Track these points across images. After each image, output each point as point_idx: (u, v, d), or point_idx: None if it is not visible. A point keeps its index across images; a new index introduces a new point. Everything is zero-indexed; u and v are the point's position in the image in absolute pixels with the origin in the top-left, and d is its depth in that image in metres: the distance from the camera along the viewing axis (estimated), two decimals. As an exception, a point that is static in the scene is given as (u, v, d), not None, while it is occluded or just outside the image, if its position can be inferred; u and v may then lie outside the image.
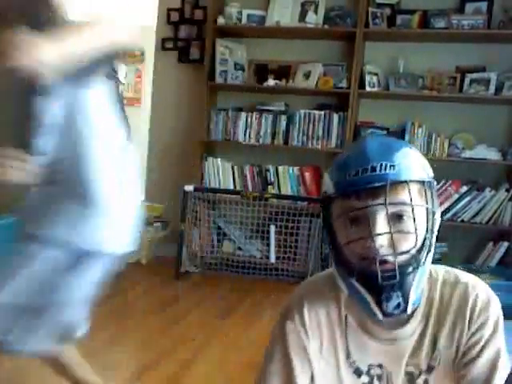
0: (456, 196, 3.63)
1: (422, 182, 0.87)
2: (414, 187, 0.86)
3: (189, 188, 3.74)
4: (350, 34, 3.76)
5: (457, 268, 0.98)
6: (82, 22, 1.34)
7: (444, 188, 3.63)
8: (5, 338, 1.38)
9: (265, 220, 3.96)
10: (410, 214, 0.85)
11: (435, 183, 0.91)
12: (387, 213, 0.83)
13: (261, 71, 4.08)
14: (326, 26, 3.84)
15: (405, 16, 3.74)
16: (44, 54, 1.10)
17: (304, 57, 4.00)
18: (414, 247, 0.86)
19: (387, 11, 3.78)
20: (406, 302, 0.85)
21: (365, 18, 3.70)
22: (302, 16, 3.92)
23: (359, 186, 0.84)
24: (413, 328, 0.93)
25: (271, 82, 3.92)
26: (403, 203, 0.84)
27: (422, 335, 0.93)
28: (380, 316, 0.86)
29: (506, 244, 3.58)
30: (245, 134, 3.99)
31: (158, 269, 3.94)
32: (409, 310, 0.86)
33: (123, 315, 2.95)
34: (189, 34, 4.29)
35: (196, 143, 4.06)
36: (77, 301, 1.48)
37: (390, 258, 0.84)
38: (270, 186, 3.97)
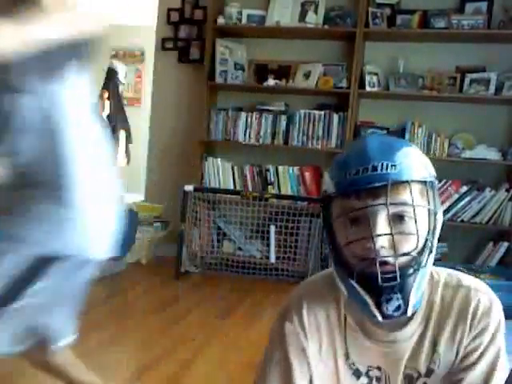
0: (456, 196, 3.63)
1: (424, 182, 0.86)
2: (416, 187, 0.84)
3: (189, 188, 3.74)
4: (349, 34, 3.76)
5: (457, 268, 0.98)
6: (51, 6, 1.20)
7: (444, 188, 3.63)
8: None
9: (265, 220, 3.96)
10: (412, 214, 0.83)
11: (437, 183, 0.90)
12: (388, 213, 0.82)
13: (261, 71, 4.08)
14: (325, 26, 3.84)
15: (405, 16, 3.74)
16: (4, 38, 1.03)
17: (304, 57, 4.00)
18: (415, 249, 0.84)
19: (387, 11, 3.78)
20: (406, 305, 0.84)
21: (365, 18, 3.70)
22: (302, 16, 3.92)
23: (360, 186, 0.83)
24: (412, 330, 0.92)
25: (271, 82, 3.92)
26: (404, 203, 0.83)
27: (422, 338, 0.92)
28: (379, 318, 0.84)
29: (505, 244, 3.58)
30: (245, 134, 3.99)
31: (158, 269, 3.94)
32: (409, 313, 0.85)
33: (123, 315, 2.95)
34: (189, 34, 4.29)
35: (196, 143, 4.06)
36: (51, 305, 1.38)
37: (391, 260, 0.82)
38: (270, 186, 3.97)
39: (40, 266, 1.28)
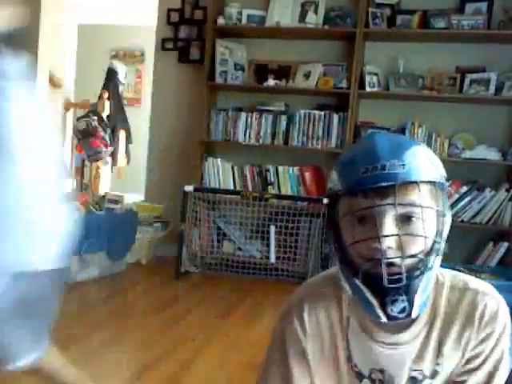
0: (456, 196, 3.63)
1: (434, 183, 0.84)
2: (425, 188, 0.82)
3: (189, 188, 3.74)
4: (349, 34, 3.76)
5: (457, 268, 0.97)
6: None
7: (444, 188, 3.63)
8: None
9: (265, 220, 3.96)
10: (420, 215, 0.81)
11: (447, 184, 0.88)
12: (396, 214, 0.81)
13: (261, 71, 4.08)
14: (326, 26, 3.84)
15: (405, 16, 3.74)
16: None
17: (304, 57, 4.00)
18: (423, 251, 0.83)
19: (387, 11, 3.78)
20: (411, 307, 0.82)
21: (365, 18, 3.70)
22: (302, 16, 3.92)
23: (368, 185, 0.81)
24: (416, 332, 0.91)
25: (271, 82, 3.92)
26: (413, 204, 0.81)
27: (427, 339, 0.90)
28: (384, 319, 0.83)
29: (505, 244, 3.58)
30: (245, 134, 3.99)
31: (158, 269, 3.94)
32: (413, 315, 0.83)
33: (123, 315, 2.95)
34: (189, 35, 4.29)
35: (196, 143, 4.06)
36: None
37: (397, 261, 0.81)
38: (270, 186, 3.97)
39: None
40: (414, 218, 0.82)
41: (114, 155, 5.06)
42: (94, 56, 7.19)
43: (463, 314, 0.89)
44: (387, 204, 0.80)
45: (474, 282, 0.93)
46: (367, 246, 0.81)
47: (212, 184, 4.05)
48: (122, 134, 5.12)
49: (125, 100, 5.86)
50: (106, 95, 5.06)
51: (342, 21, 3.81)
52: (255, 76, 4.10)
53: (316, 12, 3.91)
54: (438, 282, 0.91)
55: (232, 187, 4.03)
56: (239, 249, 4.03)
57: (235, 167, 4.05)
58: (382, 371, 0.93)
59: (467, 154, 3.62)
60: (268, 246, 3.94)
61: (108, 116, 5.03)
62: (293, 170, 3.93)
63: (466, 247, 3.73)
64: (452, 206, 3.63)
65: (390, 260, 0.80)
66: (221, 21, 3.97)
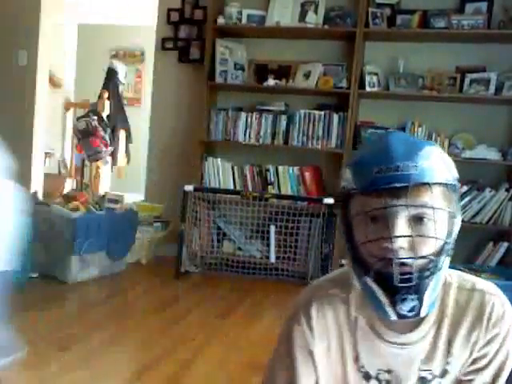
0: (456, 196, 3.62)
1: (446, 184, 0.85)
2: (437, 189, 0.83)
3: (189, 188, 3.74)
4: (350, 34, 3.76)
5: (457, 268, 0.98)
6: None
7: (444, 188, 3.63)
8: None
9: (265, 220, 3.96)
10: (432, 217, 0.82)
11: (459, 185, 0.89)
12: (408, 215, 0.82)
13: (261, 71, 4.08)
14: (326, 26, 3.84)
15: (405, 16, 3.74)
16: None
17: (304, 57, 4.00)
18: (434, 251, 0.84)
19: (387, 11, 3.78)
20: (421, 306, 0.84)
21: (365, 18, 3.70)
22: (302, 16, 3.92)
23: (381, 185, 0.81)
24: (424, 332, 0.92)
25: (271, 81, 3.92)
26: (425, 206, 0.82)
27: (436, 339, 0.92)
28: (394, 317, 0.84)
29: (505, 244, 3.58)
30: (245, 134, 3.99)
31: (158, 269, 3.94)
32: (422, 314, 0.85)
33: (123, 315, 2.95)
34: (189, 34, 4.29)
35: (196, 143, 4.06)
36: None
37: (409, 261, 0.82)
38: (270, 186, 3.97)
39: None
40: (425, 219, 0.83)
41: (113, 155, 5.07)
42: (94, 56, 7.19)
43: (471, 315, 0.91)
44: (400, 205, 0.81)
45: (480, 282, 0.94)
46: (379, 245, 0.83)
47: (212, 184, 4.05)
48: (121, 134, 5.13)
49: (125, 100, 5.86)
50: (105, 95, 5.06)
51: (341, 21, 3.81)
52: (255, 76, 4.10)
53: (316, 12, 3.91)
54: (445, 282, 0.92)
55: (232, 187, 4.03)
56: (239, 249, 4.03)
57: (235, 167, 4.05)
58: (389, 372, 0.94)
59: (467, 154, 3.62)
60: (268, 245, 3.94)
61: (108, 116, 5.04)
62: (293, 170, 3.93)
63: (466, 247, 3.73)
64: (452, 205, 3.63)
65: (402, 260, 0.81)
66: (221, 20, 3.97)
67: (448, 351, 0.92)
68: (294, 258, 3.84)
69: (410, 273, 0.82)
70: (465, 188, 3.63)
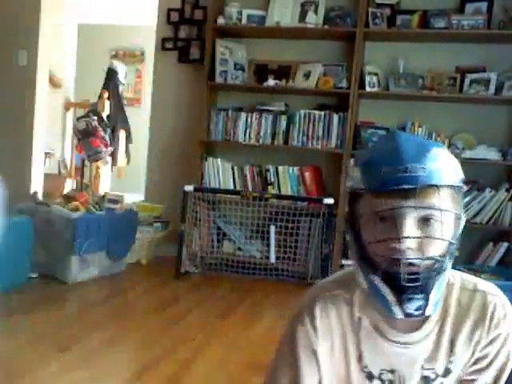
0: (456, 196, 3.62)
1: (453, 187, 0.87)
2: (445, 191, 0.85)
3: (189, 188, 3.74)
4: (350, 34, 3.76)
5: (457, 268, 0.99)
6: None
7: (444, 188, 3.63)
8: None
9: (265, 220, 3.96)
10: (439, 218, 0.84)
11: (465, 187, 0.91)
12: (417, 216, 0.83)
13: (261, 71, 4.08)
14: (326, 26, 3.84)
15: (405, 16, 3.74)
16: None
17: (304, 57, 4.00)
18: (440, 252, 0.86)
19: (387, 11, 3.78)
20: (427, 305, 0.85)
21: (365, 18, 3.70)
22: (302, 16, 3.92)
23: (390, 186, 0.83)
24: (427, 331, 0.93)
25: (271, 81, 3.92)
26: (432, 207, 0.83)
27: (439, 338, 0.93)
28: (400, 315, 0.86)
29: (505, 244, 3.58)
30: (245, 134, 3.99)
31: (158, 269, 3.94)
32: (428, 313, 0.87)
33: (123, 315, 2.95)
34: (189, 34, 4.29)
35: (196, 143, 4.06)
36: None
37: (416, 262, 0.83)
38: (270, 186, 3.97)
39: None
40: (432, 220, 0.84)
41: (114, 155, 5.07)
42: (94, 56, 7.19)
43: (474, 315, 0.93)
44: (409, 206, 0.82)
45: (482, 283, 0.96)
46: (387, 245, 0.84)
47: (212, 184, 4.05)
48: (122, 134, 5.13)
49: (125, 100, 5.86)
50: (105, 95, 5.06)
51: (342, 21, 3.81)
52: (255, 76, 4.10)
53: (316, 12, 3.91)
54: (448, 282, 0.94)
55: (232, 187, 4.03)
56: (239, 249, 4.03)
57: (235, 167, 4.05)
58: (392, 371, 0.95)
59: (467, 154, 3.62)
60: (268, 246, 3.94)
61: (108, 116, 5.04)
62: (293, 170, 3.93)
63: (466, 247, 3.73)
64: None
65: (410, 260, 0.83)
66: (221, 21, 3.97)
67: (451, 350, 0.93)
68: (294, 258, 3.84)
69: (417, 273, 0.83)
70: (465, 188, 3.60)
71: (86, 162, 5.31)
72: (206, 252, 4.02)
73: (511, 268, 3.45)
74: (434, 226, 0.84)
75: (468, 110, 3.77)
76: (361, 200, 0.89)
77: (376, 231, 0.85)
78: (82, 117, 4.96)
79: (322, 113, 3.86)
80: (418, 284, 0.83)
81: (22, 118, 4.47)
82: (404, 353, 0.93)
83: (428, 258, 0.84)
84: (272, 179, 3.97)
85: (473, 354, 0.93)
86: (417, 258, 0.83)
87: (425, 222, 0.84)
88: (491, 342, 0.92)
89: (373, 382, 0.96)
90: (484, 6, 3.64)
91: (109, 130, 4.95)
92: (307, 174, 3.91)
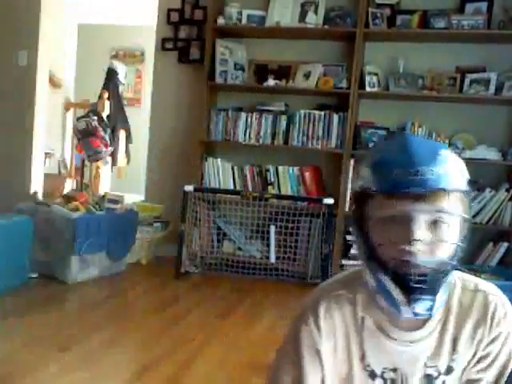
0: (456, 196, 3.62)
1: (461, 190, 0.88)
2: (454, 194, 0.86)
3: (189, 188, 3.74)
4: (350, 34, 3.76)
5: (458, 268, 0.99)
6: None
7: (444, 188, 3.63)
8: None
9: (265, 220, 3.96)
10: (449, 221, 0.86)
11: (471, 190, 0.93)
12: (427, 219, 0.85)
13: (261, 71, 4.07)
14: (326, 26, 3.84)
15: (405, 16, 3.74)
16: None
17: (304, 57, 4.00)
18: (448, 254, 0.88)
19: (387, 11, 3.78)
20: (434, 305, 0.87)
21: (365, 18, 3.70)
22: (302, 16, 3.92)
23: (401, 189, 0.84)
24: (431, 329, 0.95)
25: (271, 82, 3.92)
26: (442, 211, 0.85)
27: (442, 336, 0.95)
28: (408, 315, 0.88)
29: (505, 244, 3.58)
30: (245, 134, 3.99)
31: (158, 269, 3.94)
32: (434, 312, 0.89)
33: (123, 315, 2.95)
34: (189, 34, 4.29)
35: (196, 143, 4.06)
36: None
37: (426, 263, 0.85)
38: (270, 186, 3.97)
39: None
40: (442, 223, 0.86)
41: (114, 155, 5.07)
42: (94, 56, 7.19)
43: (476, 314, 0.95)
44: (420, 210, 0.84)
45: (482, 283, 0.99)
46: (397, 247, 0.85)
47: (212, 184, 4.05)
48: (122, 134, 5.13)
49: (125, 100, 5.86)
50: (105, 95, 5.06)
51: (342, 21, 3.81)
52: (255, 76, 4.10)
53: (316, 12, 3.91)
54: (450, 282, 0.95)
55: (232, 187, 4.03)
56: (239, 249, 4.03)
57: (235, 167, 4.05)
58: (394, 370, 0.96)
59: (467, 154, 3.61)
60: (268, 246, 3.94)
61: (108, 116, 5.04)
62: (293, 170, 3.93)
63: (466, 247, 3.72)
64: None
65: (419, 262, 0.84)
66: (221, 21, 3.97)
67: (453, 348, 0.95)
68: (294, 258, 3.84)
69: (426, 274, 0.85)
70: (471, 191, 3.63)
71: (86, 162, 5.31)
72: (205, 252, 4.02)
73: (511, 268, 3.45)
74: (442, 228, 0.86)
75: (468, 109, 3.77)
76: (370, 201, 0.89)
77: (387, 233, 0.86)
78: (82, 117, 4.96)
79: (322, 113, 3.86)
80: (425, 286, 0.85)
81: (22, 118, 4.47)
82: (406, 351, 0.95)
83: (438, 261, 0.86)
84: (272, 179, 3.97)
85: (475, 352, 0.95)
86: (427, 261, 0.85)
87: (434, 224, 0.85)
88: (493, 341, 0.94)
89: (375, 381, 0.97)
90: (484, 6, 3.64)
91: (109, 130, 4.95)
92: (307, 174, 3.91)
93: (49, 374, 2.11)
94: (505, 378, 0.96)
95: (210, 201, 4.04)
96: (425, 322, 0.94)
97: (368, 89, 3.76)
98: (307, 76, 3.92)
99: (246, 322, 2.94)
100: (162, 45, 4.35)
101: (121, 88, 5.34)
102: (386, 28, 3.74)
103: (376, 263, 0.89)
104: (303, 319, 0.98)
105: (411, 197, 0.83)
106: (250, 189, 3.98)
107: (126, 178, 5.47)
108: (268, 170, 3.98)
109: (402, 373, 0.96)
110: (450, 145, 3.69)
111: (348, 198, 3.77)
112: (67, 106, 6.00)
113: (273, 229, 3.91)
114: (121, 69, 5.33)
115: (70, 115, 6.01)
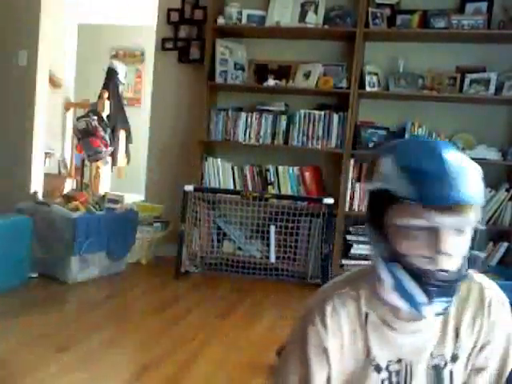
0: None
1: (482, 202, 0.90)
2: (478, 207, 0.88)
3: (189, 188, 3.74)
4: (350, 34, 3.76)
5: None
6: None
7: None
8: None
9: (265, 220, 3.96)
10: (470, 230, 0.89)
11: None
12: (455, 231, 0.86)
13: (261, 71, 4.07)
14: (326, 26, 3.84)
15: (405, 16, 3.74)
16: None
17: (304, 57, 4.00)
18: (465, 260, 0.91)
19: (387, 11, 3.78)
20: (450, 305, 0.91)
21: (365, 17, 3.69)
22: (302, 16, 3.92)
23: (433, 202, 0.84)
24: (431, 320, 0.97)
25: (271, 82, 3.92)
26: (471, 223, 0.88)
27: (445, 325, 0.98)
28: (430, 315, 0.91)
29: (505, 244, 3.58)
30: (245, 134, 3.99)
31: (158, 269, 3.94)
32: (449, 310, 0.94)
33: (123, 316, 2.95)
34: (189, 34, 4.29)
35: (196, 143, 4.06)
36: None
37: (447, 269, 0.88)
38: (270, 186, 3.97)
39: None
40: (464, 233, 0.88)
41: (113, 155, 5.07)
42: (94, 56, 7.19)
43: (473, 305, 0.99)
44: (453, 223, 0.86)
45: (476, 276, 1.02)
46: (421, 253, 0.87)
47: (212, 184, 4.05)
48: (121, 134, 5.13)
49: (125, 100, 5.86)
50: (105, 95, 5.06)
51: (341, 21, 3.81)
52: (255, 76, 4.10)
53: (316, 12, 3.90)
54: None
55: (232, 187, 4.03)
56: (239, 249, 4.03)
57: (235, 167, 4.05)
58: (399, 361, 0.99)
59: (467, 154, 3.60)
60: (268, 245, 3.94)
61: (108, 116, 5.04)
62: (293, 170, 3.93)
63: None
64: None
65: (443, 267, 0.88)
66: (221, 21, 3.97)
67: (456, 335, 0.99)
68: (294, 258, 3.84)
69: (446, 279, 0.88)
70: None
71: (86, 162, 5.31)
72: (205, 252, 4.02)
73: (511, 268, 3.45)
74: (463, 236, 0.88)
75: (468, 109, 3.77)
76: (395, 205, 0.89)
77: (412, 240, 0.88)
78: (82, 117, 4.96)
79: (322, 113, 3.86)
80: (446, 288, 0.88)
81: (22, 118, 4.47)
82: (413, 341, 0.98)
83: (458, 266, 0.89)
84: (272, 179, 3.97)
85: (476, 340, 0.99)
86: (448, 271, 0.87)
87: (458, 233, 0.88)
88: (493, 328, 0.98)
89: (380, 374, 0.99)
90: (484, 6, 3.64)
91: (109, 130, 4.95)
92: (307, 174, 3.91)
93: (48, 374, 2.11)
94: (509, 367, 0.99)
95: (209, 201, 4.03)
96: None
97: (368, 89, 3.76)
98: (307, 76, 3.91)
99: (246, 322, 2.94)
100: (162, 45, 4.35)
101: (121, 88, 5.34)
102: (385, 28, 3.74)
103: (395, 262, 0.90)
104: (309, 320, 0.99)
105: (443, 208, 0.85)
106: (250, 189, 3.98)
107: (125, 177, 5.47)
108: (268, 170, 3.98)
109: (407, 363, 0.98)
110: (450, 145, 3.69)
111: (348, 198, 3.78)
112: (67, 106, 6.00)
113: (273, 229, 3.91)
114: (121, 69, 5.33)
115: (69, 115, 6.01)
